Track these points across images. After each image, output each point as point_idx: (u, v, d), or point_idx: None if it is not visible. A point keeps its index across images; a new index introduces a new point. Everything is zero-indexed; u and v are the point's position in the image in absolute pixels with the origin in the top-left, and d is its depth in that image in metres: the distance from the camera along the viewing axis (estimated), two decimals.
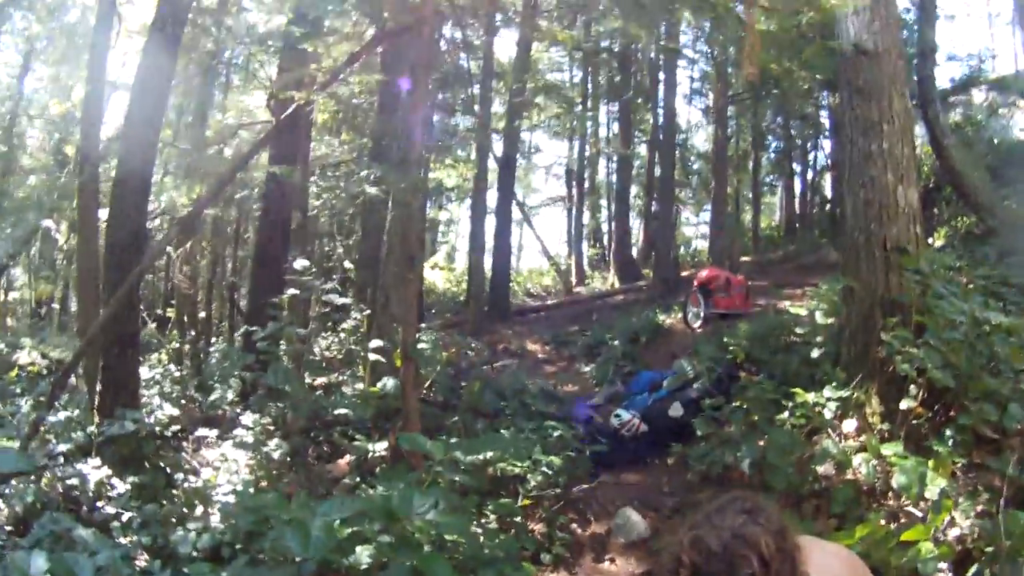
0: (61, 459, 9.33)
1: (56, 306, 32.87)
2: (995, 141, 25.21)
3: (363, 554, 4.75)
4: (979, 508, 5.62)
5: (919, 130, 23.51)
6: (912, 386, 6.98)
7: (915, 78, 20.45)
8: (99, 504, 8.23)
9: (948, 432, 6.71)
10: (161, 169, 19.40)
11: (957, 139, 22.23)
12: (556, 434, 10.01)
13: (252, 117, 20.39)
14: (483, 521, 7.47)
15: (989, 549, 4.73)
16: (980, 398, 6.88)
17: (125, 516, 7.72)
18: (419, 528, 4.61)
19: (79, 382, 14.79)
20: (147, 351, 19.74)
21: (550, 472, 8.63)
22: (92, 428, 9.94)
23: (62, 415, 10.93)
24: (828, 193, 32.91)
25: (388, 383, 9.97)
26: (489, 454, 7.59)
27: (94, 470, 8.65)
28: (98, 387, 10.83)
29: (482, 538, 6.41)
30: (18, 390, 16.86)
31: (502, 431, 9.81)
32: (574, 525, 8.35)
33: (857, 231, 8.40)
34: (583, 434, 10.30)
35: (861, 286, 8.18)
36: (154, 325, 23.03)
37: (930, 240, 18.57)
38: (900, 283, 7.93)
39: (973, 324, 7.23)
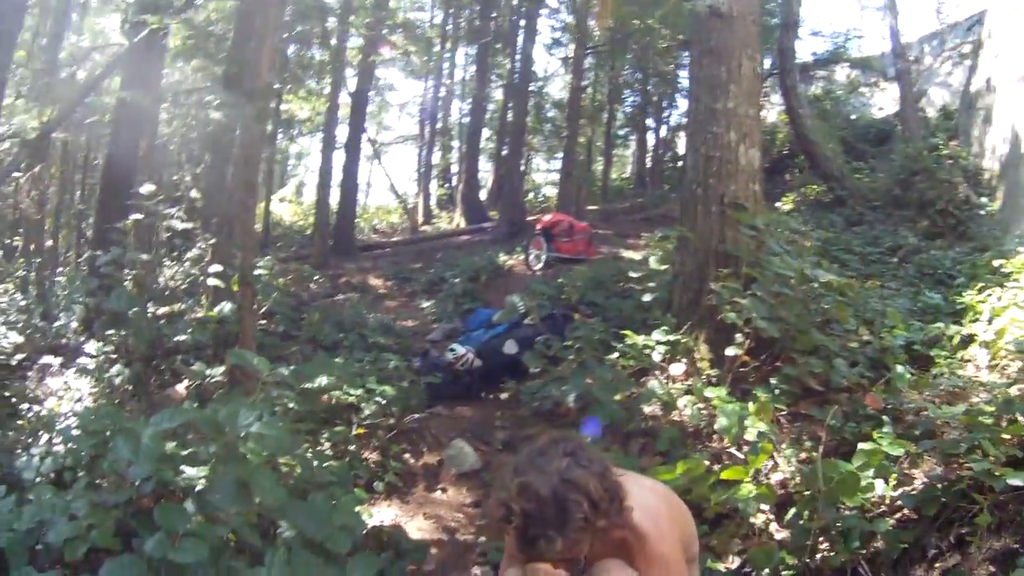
0: None
1: None
2: (853, 117, 26.24)
3: (198, 473, 4.76)
4: (802, 456, 5.85)
5: (777, 98, 24.29)
6: (739, 335, 7.21)
7: (777, 48, 21.15)
8: None
9: (773, 381, 6.99)
10: (13, 91, 18.73)
11: (815, 111, 23.30)
12: (391, 365, 10.10)
13: (106, 40, 19.86)
14: (318, 448, 7.43)
15: (808, 493, 4.92)
16: (808, 352, 7.16)
17: None
18: (250, 449, 4.63)
19: None
20: None
21: (384, 401, 8.63)
22: None
23: None
24: (680, 150, 33.47)
25: (225, 307, 9.89)
26: (324, 381, 7.61)
27: None
28: None
29: (316, 463, 6.45)
30: None
31: (338, 360, 9.78)
32: (407, 455, 8.37)
33: (696, 184, 8.60)
34: (419, 367, 10.39)
35: (696, 237, 8.39)
36: (0, 253, 22.33)
37: (779, 204, 19.21)
38: (735, 237, 8.16)
39: (802, 281, 7.49)
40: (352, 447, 7.85)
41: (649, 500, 3.63)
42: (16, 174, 18.30)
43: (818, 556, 4.74)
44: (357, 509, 5.33)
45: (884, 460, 4.98)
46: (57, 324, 14.41)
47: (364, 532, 5.32)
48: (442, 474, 8.12)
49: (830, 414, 5.85)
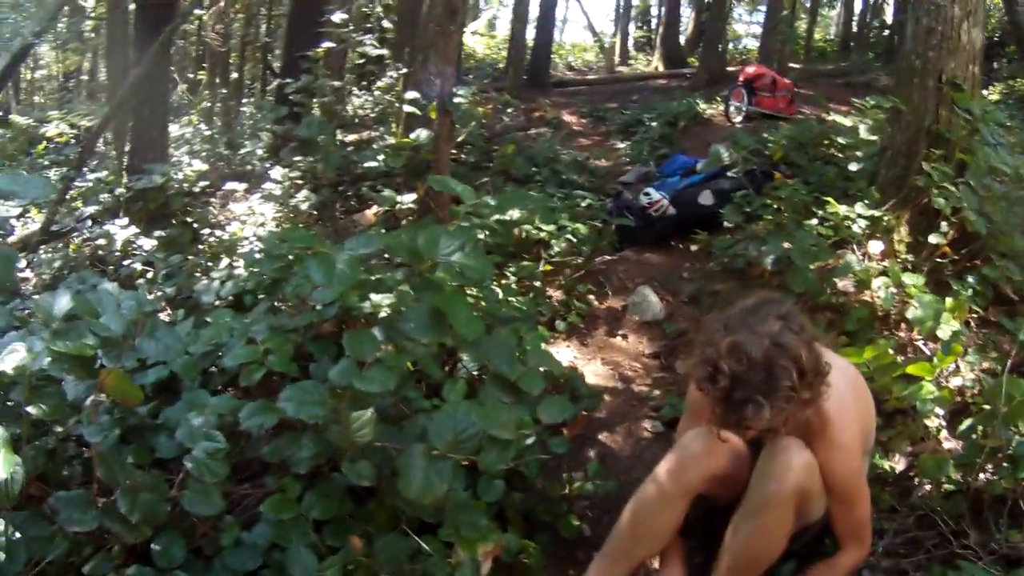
0: (89, 222, 9.40)
1: (85, 77, 32.34)
2: None
3: (383, 300, 4.82)
4: (985, 365, 5.68)
5: None
6: (944, 223, 6.95)
7: None
8: (125, 262, 8.33)
9: (970, 279, 6.74)
10: None
11: None
12: (584, 203, 10.15)
13: None
14: (504, 283, 7.53)
15: (987, 407, 4.76)
16: (1008, 255, 6.90)
17: (150, 272, 7.81)
18: (442, 277, 4.66)
19: (108, 148, 14.72)
20: (178, 113, 19.59)
21: (575, 240, 8.71)
22: (120, 189, 9.98)
23: (91, 177, 10.96)
24: (887, 18, 32.26)
25: (422, 134, 9.90)
26: (516, 214, 7.62)
27: (121, 229, 8.74)
28: (127, 148, 10.80)
29: (501, 296, 6.51)
30: (46, 163, 16.84)
31: (533, 194, 9.75)
32: (591, 297, 8.44)
33: (914, 55, 8.16)
34: (612, 208, 10.36)
35: (910, 111, 8.00)
36: (185, 87, 22.66)
37: (985, 92, 18.41)
38: (949, 119, 7.80)
39: (1016, 180, 7.19)
40: (538, 283, 7.95)
41: (839, 384, 3.54)
42: (199, 11, 18.49)
43: (982, 476, 4.60)
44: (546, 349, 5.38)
45: None
46: (243, 152, 14.67)
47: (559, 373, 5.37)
48: (624, 320, 8.17)
49: (1021, 327, 5.63)
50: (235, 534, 3.86)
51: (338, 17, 10.59)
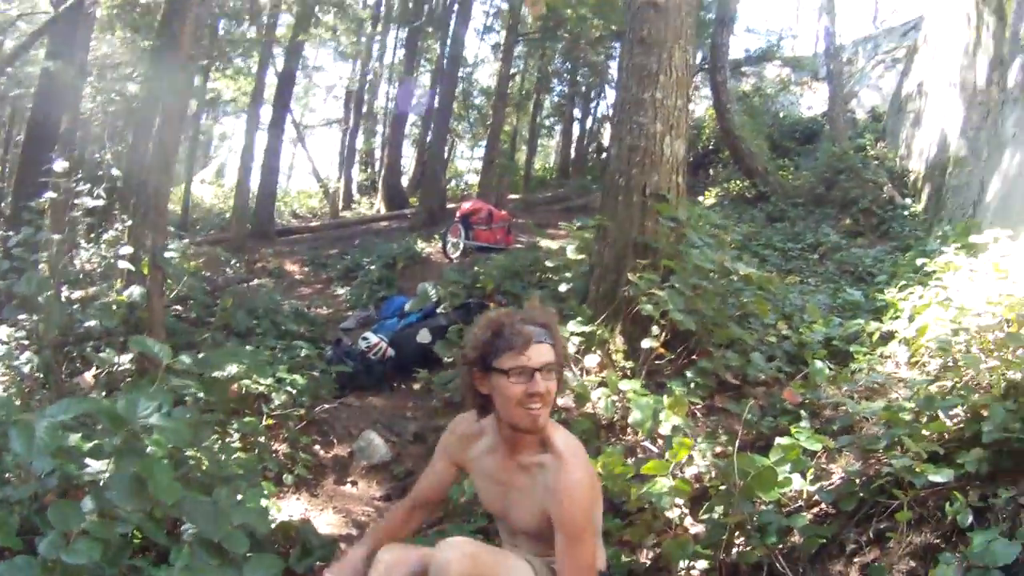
0: None
1: None
2: (781, 115, 26.67)
3: (100, 466, 4.58)
4: (718, 449, 5.75)
5: (706, 92, 24.67)
6: (655, 327, 7.13)
7: (710, 43, 21.49)
8: None
9: (689, 374, 6.94)
10: None
11: (743, 107, 23.69)
12: (303, 353, 9.99)
13: (34, 8, 19.35)
14: (227, 440, 7.21)
15: (723, 488, 4.83)
16: (725, 345, 7.13)
17: None
18: (154, 441, 4.45)
19: None
20: None
21: (294, 391, 8.50)
22: None
23: None
24: (605, 141, 33.65)
25: (135, 291, 9.60)
26: (233, 370, 7.42)
27: None
28: None
29: (223, 456, 6.27)
30: None
31: (249, 348, 9.58)
32: (317, 447, 8.26)
33: (618, 174, 8.48)
34: (331, 356, 10.28)
35: (616, 227, 8.27)
36: None
37: (701, 198, 19.45)
38: (655, 229, 8.07)
39: (722, 273, 7.46)
40: (261, 439, 7.65)
41: (569, 439, 3.78)
42: None
43: (734, 551, 4.68)
44: (264, 504, 5.18)
45: (801, 455, 4.87)
46: None
47: (271, 529, 5.16)
48: (352, 466, 8.03)
49: (746, 408, 5.76)
50: None
51: (60, 166, 10.17)
